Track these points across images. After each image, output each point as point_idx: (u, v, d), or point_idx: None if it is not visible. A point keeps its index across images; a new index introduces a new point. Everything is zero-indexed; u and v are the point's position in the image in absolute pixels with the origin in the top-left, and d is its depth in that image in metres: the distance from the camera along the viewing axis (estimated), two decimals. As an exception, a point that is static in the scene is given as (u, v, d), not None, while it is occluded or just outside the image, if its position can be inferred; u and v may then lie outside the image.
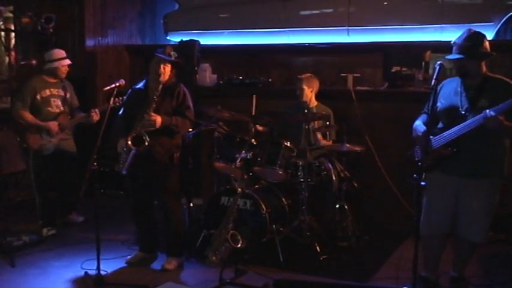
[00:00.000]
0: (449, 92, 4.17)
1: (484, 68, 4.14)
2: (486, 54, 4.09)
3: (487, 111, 3.83)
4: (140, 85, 4.98)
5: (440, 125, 4.19)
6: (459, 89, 4.15)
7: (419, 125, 4.30)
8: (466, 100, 4.09)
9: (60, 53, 5.99)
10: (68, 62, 5.98)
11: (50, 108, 5.84)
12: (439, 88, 4.28)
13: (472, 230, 4.19)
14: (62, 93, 5.95)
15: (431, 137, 4.16)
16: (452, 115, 4.10)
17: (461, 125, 4.00)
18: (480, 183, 4.10)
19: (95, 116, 5.80)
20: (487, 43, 4.10)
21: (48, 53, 6.00)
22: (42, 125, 5.76)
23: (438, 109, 4.23)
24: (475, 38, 4.05)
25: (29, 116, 5.74)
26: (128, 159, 4.73)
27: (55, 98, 5.89)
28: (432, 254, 4.44)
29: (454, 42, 4.11)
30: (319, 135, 5.74)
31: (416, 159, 4.31)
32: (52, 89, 5.89)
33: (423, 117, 4.37)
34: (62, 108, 5.92)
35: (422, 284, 4.43)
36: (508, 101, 3.81)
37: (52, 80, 5.92)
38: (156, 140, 4.77)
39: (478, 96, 4.05)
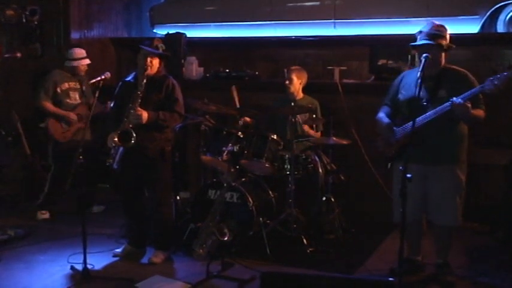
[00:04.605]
0: (410, 83, 4.33)
1: (444, 60, 4.31)
2: (449, 46, 4.27)
3: (454, 98, 4.03)
4: (130, 78, 4.94)
5: (401, 116, 4.37)
6: (419, 80, 4.25)
7: (382, 116, 4.53)
8: (425, 91, 4.24)
9: (81, 52, 6.29)
10: (87, 61, 6.30)
11: (68, 100, 6.18)
12: (399, 79, 4.53)
13: (443, 214, 4.38)
14: (79, 86, 6.26)
15: (395, 128, 4.38)
16: (413, 106, 4.23)
17: (428, 113, 4.18)
18: (443, 169, 4.30)
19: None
20: (448, 36, 4.29)
21: (69, 51, 6.28)
22: (62, 114, 6.08)
23: (400, 100, 4.43)
24: (442, 29, 4.25)
25: (50, 106, 6.08)
26: (117, 155, 4.71)
27: (73, 91, 6.23)
28: (413, 239, 4.65)
29: (421, 31, 4.27)
30: (305, 127, 5.74)
31: (380, 150, 4.55)
32: (70, 83, 6.22)
33: (385, 109, 4.58)
34: (78, 101, 6.24)
35: (408, 264, 4.61)
36: (473, 89, 4.06)
37: (70, 75, 6.23)
38: (146, 136, 4.74)
39: (437, 87, 4.25)
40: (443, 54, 4.27)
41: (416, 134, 4.16)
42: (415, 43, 4.27)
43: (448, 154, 4.31)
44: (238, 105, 5.76)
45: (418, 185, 4.33)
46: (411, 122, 4.14)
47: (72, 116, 6.11)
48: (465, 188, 4.43)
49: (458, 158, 4.36)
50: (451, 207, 4.36)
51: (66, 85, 6.15)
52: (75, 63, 6.19)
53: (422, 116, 4.19)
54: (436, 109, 4.16)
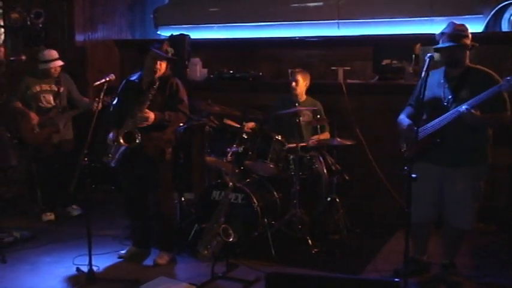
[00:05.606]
0: (433, 84, 4.25)
1: (467, 59, 4.25)
2: (472, 44, 4.21)
3: (462, 106, 3.97)
4: (135, 77, 4.93)
5: (424, 117, 4.28)
6: (442, 81, 4.28)
7: (403, 118, 4.46)
8: (448, 91, 4.22)
9: (52, 54, 6.18)
10: (59, 63, 6.18)
11: (40, 104, 6.12)
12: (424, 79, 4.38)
13: (458, 217, 4.32)
14: (55, 89, 6.18)
15: (416, 128, 4.24)
16: (435, 106, 4.20)
17: (442, 116, 4.13)
18: (464, 171, 4.22)
19: (96, 104, 5.76)
20: (470, 35, 4.22)
21: (40, 53, 6.20)
22: (23, 110, 6.04)
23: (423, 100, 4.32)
24: (463, 29, 4.19)
25: (19, 105, 6.07)
26: (117, 153, 4.71)
27: (46, 94, 6.14)
28: (421, 240, 4.62)
29: (443, 33, 4.21)
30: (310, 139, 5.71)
31: (402, 151, 4.44)
32: (43, 85, 6.14)
33: (408, 109, 4.52)
34: (53, 103, 6.15)
35: (413, 264, 4.56)
36: (481, 94, 3.96)
37: (44, 77, 6.15)
38: (146, 136, 4.74)
39: (460, 87, 4.18)
40: (467, 53, 4.23)
41: (439, 135, 4.15)
42: (439, 46, 4.22)
43: (468, 157, 4.20)
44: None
45: (435, 187, 4.31)
46: (430, 123, 4.18)
47: (33, 116, 6.00)
48: (483, 192, 4.35)
49: (478, 161, 4.26)
50: (466, 211, 4.29)
51: (37, 88, 6.11)
52: (47, 66, 6.10)
53: (439, 118, 4.14)
54: (442, 117, 4.12)
